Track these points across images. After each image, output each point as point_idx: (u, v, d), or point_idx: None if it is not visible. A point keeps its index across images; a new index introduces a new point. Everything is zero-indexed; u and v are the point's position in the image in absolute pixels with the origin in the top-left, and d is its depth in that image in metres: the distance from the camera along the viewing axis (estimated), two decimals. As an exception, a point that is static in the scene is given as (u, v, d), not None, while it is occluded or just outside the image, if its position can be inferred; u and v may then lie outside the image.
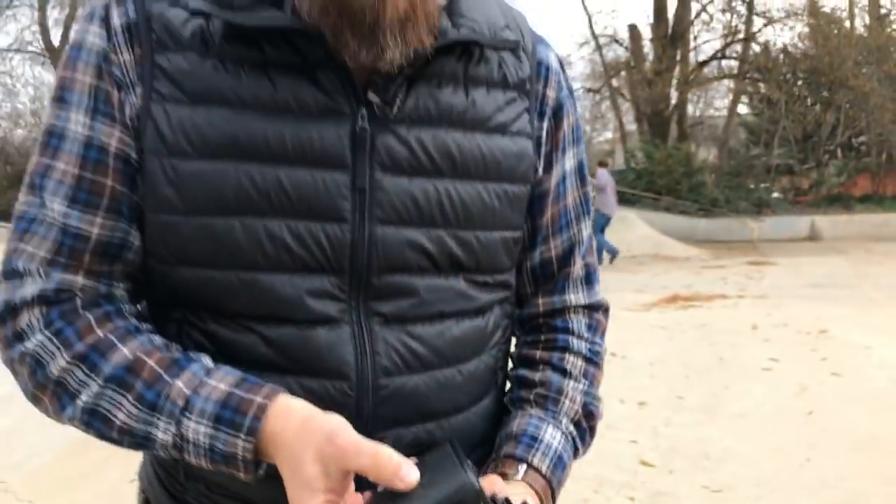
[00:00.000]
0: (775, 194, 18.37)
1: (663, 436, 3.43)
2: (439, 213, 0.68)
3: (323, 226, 0.65)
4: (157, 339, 0.63)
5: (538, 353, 0.79)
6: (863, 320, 5.70)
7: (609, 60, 20.61)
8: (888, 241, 13.42)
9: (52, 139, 0.63)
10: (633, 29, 19.89)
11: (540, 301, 0.79)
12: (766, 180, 18.34)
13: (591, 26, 20.37)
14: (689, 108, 21.15)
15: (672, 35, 18.24)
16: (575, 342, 0.79)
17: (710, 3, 18.94)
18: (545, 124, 0.76)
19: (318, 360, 0.65)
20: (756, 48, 18.69)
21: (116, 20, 0.63)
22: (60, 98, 0.64)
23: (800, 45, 18.08)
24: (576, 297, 0.80)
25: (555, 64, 0.78)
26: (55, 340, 0.60)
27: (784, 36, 18.39)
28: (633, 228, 13.32)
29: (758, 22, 18.55)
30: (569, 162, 0.79)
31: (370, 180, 0.66)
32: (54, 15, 18.57)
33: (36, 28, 18.72)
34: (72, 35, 0.66)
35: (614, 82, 20.64)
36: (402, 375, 0.68)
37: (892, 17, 18.84)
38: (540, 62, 0.76)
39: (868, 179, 18.80)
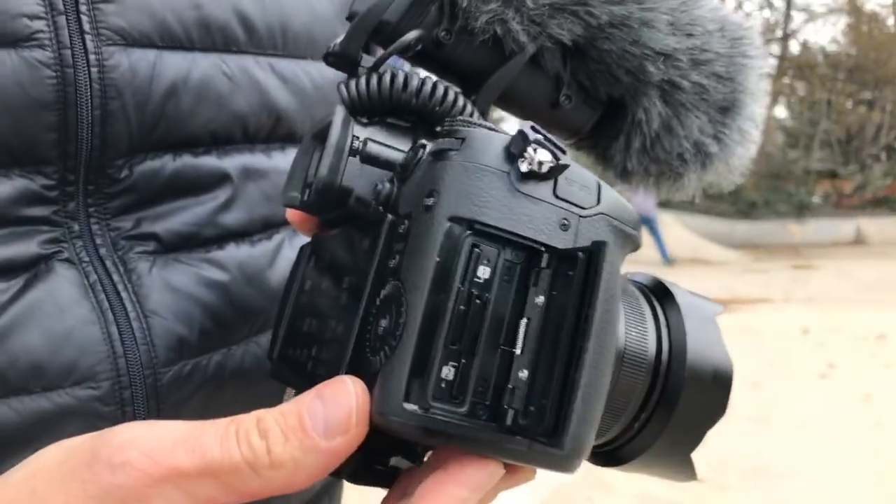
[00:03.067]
0: (815, 198, 17.92)
1: (714, 448, 3.12)
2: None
3: None
4: None
5: None
6: (924, 325, 5.31)
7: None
8: (940, 244, 12.85)
9: None
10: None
11: None
12: (806, 184, 17.86)
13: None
14: (725, 111, 20.70)
15: (708, 34, 17.89)
16: None
17: None
18: None
19: (19, 360, 0.35)
20: (795, 46, 18.26)
21: None
22: None
23: (841, 42, 17.61)
24: None
25: None
26: None
27: (825, 33, 17.86)
28: (669, 231, 13.07)
29: (798, 18, 18.11)
30: None
31: None
32: None
33: None
34: None
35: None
36: (204, 352, 0.40)
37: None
38: None
39: (916, 182, 18.15)
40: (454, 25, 0.31)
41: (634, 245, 0.27)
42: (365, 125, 0.30)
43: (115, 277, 0.38)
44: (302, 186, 0.31)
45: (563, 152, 0.24)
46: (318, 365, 0.28)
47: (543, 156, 0.24)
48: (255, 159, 0.43)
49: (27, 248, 0.36)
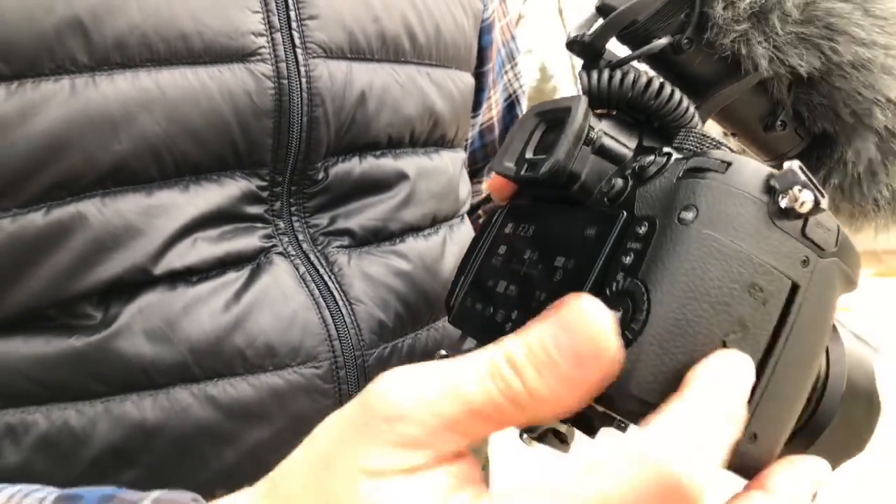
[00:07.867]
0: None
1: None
2: (404, 33, 0.46)
3: (218, 69, 0.38)
4: None
5: None
6: None
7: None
8: None
9: None
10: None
11: None
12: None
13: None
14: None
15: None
16: None
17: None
18: None
19: (256, 340, 0.39)
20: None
21: None
22: None
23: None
24: None
25: None
26: None
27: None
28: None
29: None
30: None
31: None
32: None
33: None
34: None
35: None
36: (398, 336, 0.44)
37: None
38: None
39: None
40: (700, 36, 0.32)
41: (853, 287, 0.29)
42: (599, 117, 0.32)
43: (321, 270, 0.42)
44: (517, 158, 0.33)
45: (823, 196, 0.25)
46: None
47: (806, 196, 0.25)
48: (421, 160, 0.47)
49: (251, 241, 0.41)
